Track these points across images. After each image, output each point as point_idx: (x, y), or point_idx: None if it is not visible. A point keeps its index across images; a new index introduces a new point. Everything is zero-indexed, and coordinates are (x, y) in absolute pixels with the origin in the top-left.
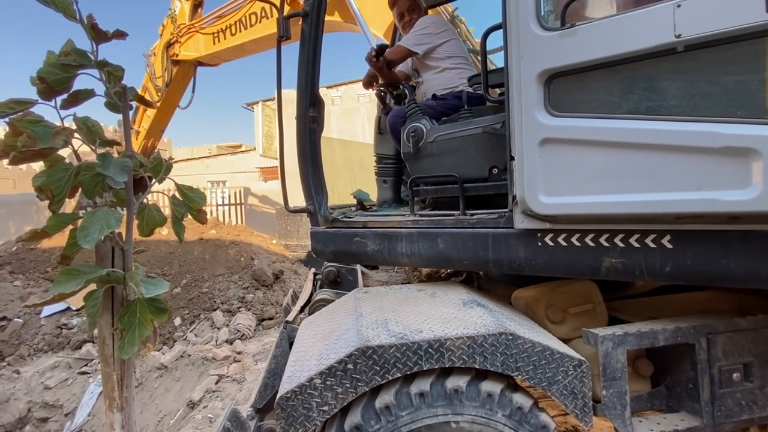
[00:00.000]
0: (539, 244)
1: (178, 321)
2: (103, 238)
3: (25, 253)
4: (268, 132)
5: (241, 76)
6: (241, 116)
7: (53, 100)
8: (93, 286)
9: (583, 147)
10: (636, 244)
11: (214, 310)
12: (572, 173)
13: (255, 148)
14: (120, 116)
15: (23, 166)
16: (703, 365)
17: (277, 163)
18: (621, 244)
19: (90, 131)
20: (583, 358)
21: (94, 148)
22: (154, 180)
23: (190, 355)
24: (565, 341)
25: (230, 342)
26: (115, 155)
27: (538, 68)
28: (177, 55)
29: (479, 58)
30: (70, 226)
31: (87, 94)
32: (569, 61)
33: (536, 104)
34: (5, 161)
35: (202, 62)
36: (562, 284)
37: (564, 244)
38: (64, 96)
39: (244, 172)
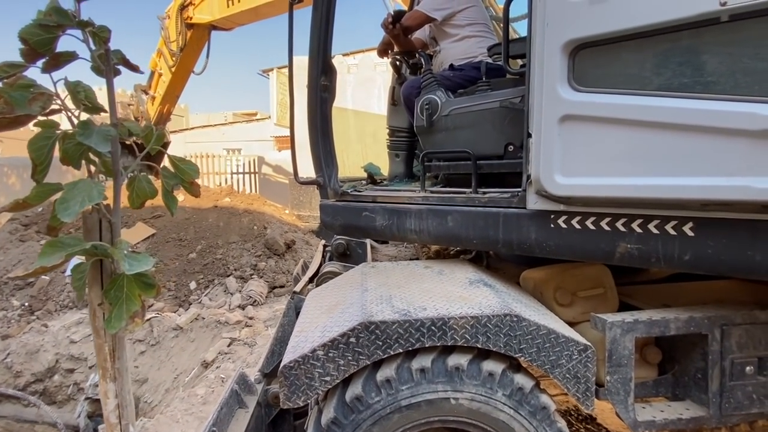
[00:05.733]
0: (552, 226)
1: (193, 285)
2: (90, 209)
3: (50, 214)
4: (282, 100)
5: (257, 42)
6: (257, 83)
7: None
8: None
9: (606, 125)
10: (654, 230)
11: (228, 276)
12: (593, 153)
13: (270, 117)
14: (138, 81)
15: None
16: (714, 356)
17: None
18: (638, 230)
19: (76, 97)
20: (589, 344)
21: (76, 114)
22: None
23: (204, 318)
24: (572, 325)
25: (242, 307)
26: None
27: (564, 38)
28: (191, 18)
29: (501, 25)
30: (57, 195)
31: (68, 57)
32: (599, 30)
33: (559, 77)
34: None
35: (216, 26)
36: (573, 267)
37: (578, 227)
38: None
39: (259, 140)
